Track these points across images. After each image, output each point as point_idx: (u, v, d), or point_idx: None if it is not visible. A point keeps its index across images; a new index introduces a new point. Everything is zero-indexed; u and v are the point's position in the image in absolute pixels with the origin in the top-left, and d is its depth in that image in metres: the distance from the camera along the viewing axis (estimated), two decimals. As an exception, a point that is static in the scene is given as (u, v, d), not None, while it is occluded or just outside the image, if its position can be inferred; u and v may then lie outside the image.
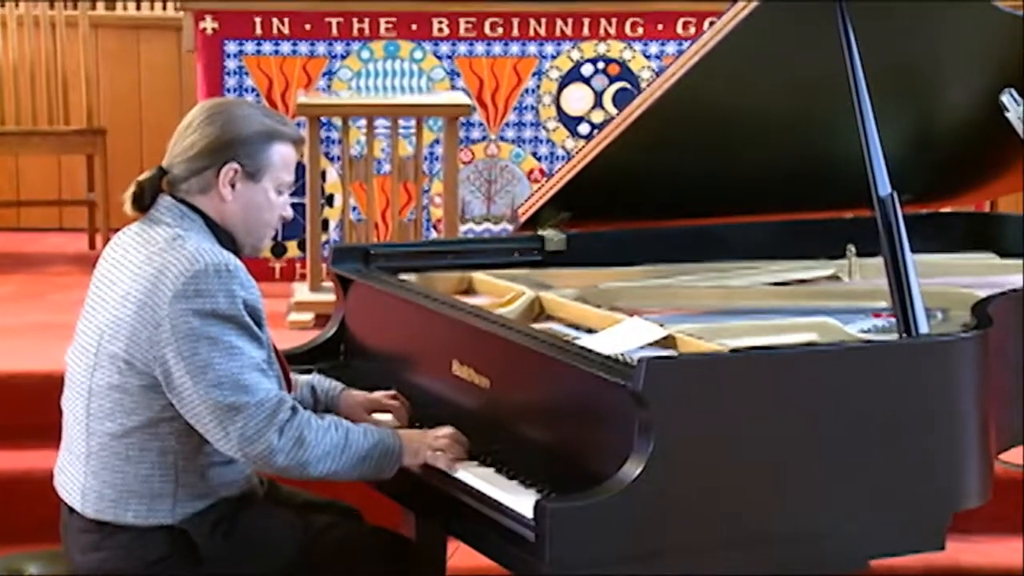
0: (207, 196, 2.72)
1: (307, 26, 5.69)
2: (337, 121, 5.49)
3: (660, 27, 5.78)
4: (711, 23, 3.08)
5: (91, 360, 2.70)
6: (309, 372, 3.21)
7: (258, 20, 5.69)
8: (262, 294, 2.72)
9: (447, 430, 2.75)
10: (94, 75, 6.33)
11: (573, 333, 2.98)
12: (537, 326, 3.00)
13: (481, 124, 5.82)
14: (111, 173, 6.07)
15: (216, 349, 2.58)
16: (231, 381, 2.58)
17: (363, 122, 5.32)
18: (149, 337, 2.61)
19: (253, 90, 5.71)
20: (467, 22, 5.75)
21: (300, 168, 5.46)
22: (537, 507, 2.41)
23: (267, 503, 2.84)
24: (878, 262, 2.84)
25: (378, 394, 2.98)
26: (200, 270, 2.61)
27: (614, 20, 5.77)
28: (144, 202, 2.73)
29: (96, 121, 6.27)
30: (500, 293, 3.25)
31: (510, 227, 5.72)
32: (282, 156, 2.75)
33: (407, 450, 2.71)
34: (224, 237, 2.72)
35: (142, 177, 2.74)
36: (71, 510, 2.75)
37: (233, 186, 2.71)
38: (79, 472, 2.73)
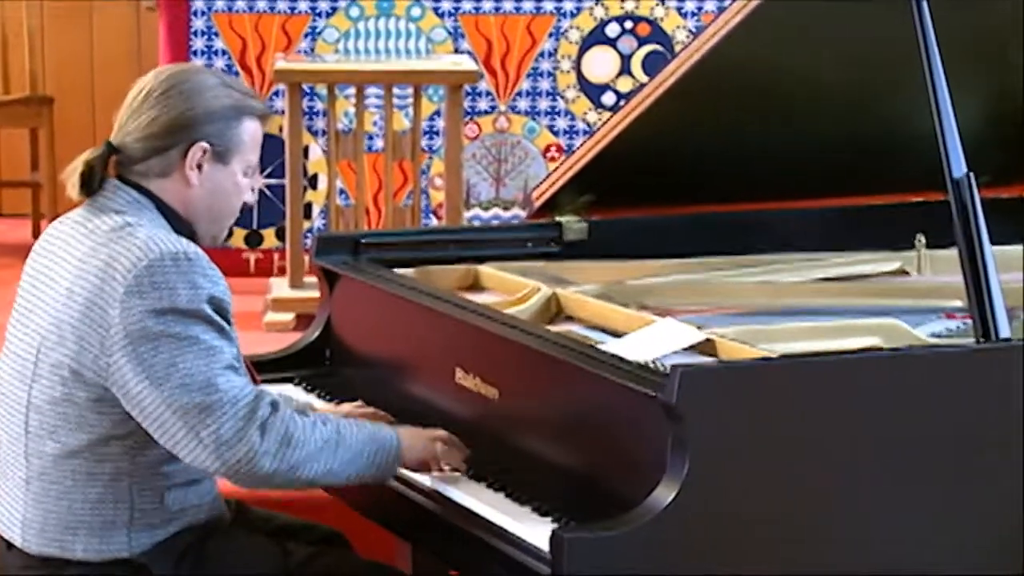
0: (168, 179, 2.73)
1: (287, -22, 5.71)
2: (322, 89, 5.50)
3: (698, -20, 5.79)
4: (757, -25, 3.09)
5: (29, 370, 2.71)
6: (289, 381, 3.23)
7: (230, -29, 5.70)
8: (231, 289, 2.73)
9: (443, 433, 2.78)
10: (39, 36, 6.35)
11: (596, 336, 2.99)
12: (553, 328, 3.01)
13: (489, 93, 5.83)
14: (59, 149, 6.08)
15: (179, 348, 2.59)
16: (199, 381, 2.58)
17: (352, 91, 5.33)
18: (100, 342, 2.62)
19: (224, 53, 5.72)
20: (473, -26, 5.76)
21: (279, 144, 5.49)
22: (553, 538, 2.42)
23: (238, 530, 2.84)
24: (951, 254, 2.84)
25: (346, 407, 3.00)
26: (155, 259, 2.61)
27: (644, -28, 5.78)
28: (94, 185, 2.73)
29: (41, 89, 6.29)
30: (511, 290, 3.26)
31: (522, 213, 5.74)
32: (251, 134, 2.77)
33: (406, 445, 2.73)
34: (181, 226, 2.73)
35: (90, 156, 2.74)
36: (10, 546, 2.75)
37: (200, 168, 2.73)
38: (18, 502, 2.73)
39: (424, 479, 2.77)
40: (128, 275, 2.61)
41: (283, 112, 5.37)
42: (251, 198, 2.81)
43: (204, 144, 2.71)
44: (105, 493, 2.67)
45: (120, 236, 2.66)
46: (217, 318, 2.64)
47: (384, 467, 2.71)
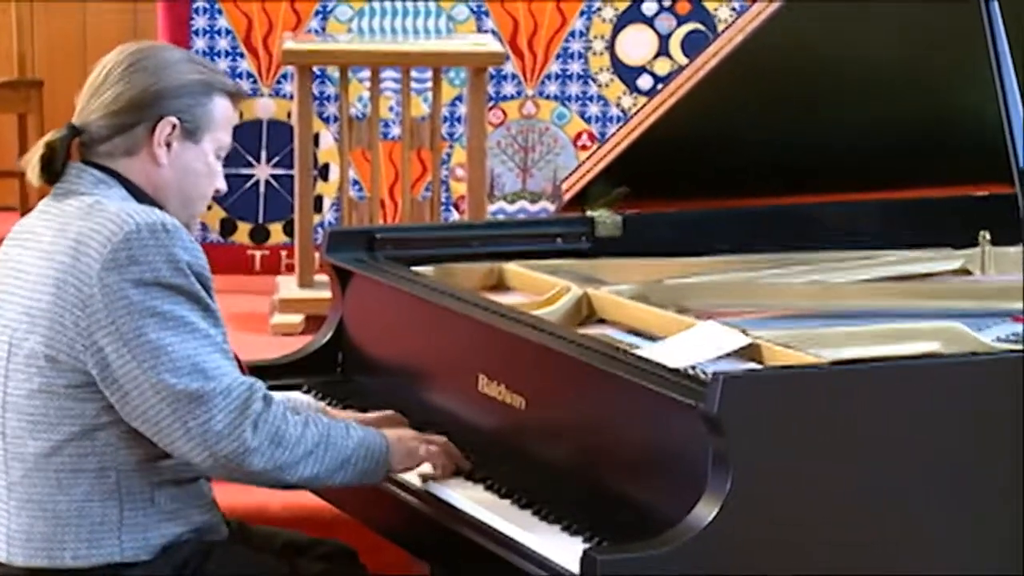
0: (134, 159, 2.76)
1: (296, -48, 5.72)
2: (334, 72, 5.51)
3: (743, -47, 5.79)
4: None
5: (1, 368, 2.73)
6: (298, 388, 3.24)
7: (234, -55, 5.72)
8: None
9: (440, 439, 2.84)
10: (27, 14, 6.37)
11: (631, 341, 3.00)
12: (585, 331, 3.02)
13: (515, 77, 5.83)
14: (49, 137, 6.10)
15: (166, 327, 2.62)
16: (189, 364, 2.61)
17: (366, 74, 5.34)
18: (75, 322, 2.64)
19: (228, 33, 5.74)
20: (498, -53, 5.77)
21: (288, 132, 5.51)
22: (585, 559, 2.42)
23: (240, 546, 2.85)
24: (1019, 252, 2.84)
25: (372, 415, 3.01)
26: (131, 232, 2.64)
27: (684, -56, 5.78)
28: (56, 168, 2.76)
29: (30, 72, 6.31)
30: (539, 290, 3.27)
31: (551, 206, 5.75)
32: (222, 112, 2.81)
33: (396, 451, 2.79)
34: (152, 206, 2.74)
35: (51, 138, 2.78)
36: (-6, 562, 2.78)
37: (169, 146, 2.76)
38: (0, 512, 2.76)
39: (443, 492, 2.79)
40: (103, 250, 2.64)
41: (292, 97, 5.38)
42: (222, 184, 2.84)
43: (172, 120, 2.75)
44: (92, 491, 2.69)
45: (89, 213, 2.69)
46: (203, 294, 2.67)
47: (370, 473, 2.77)
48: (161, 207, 2.75)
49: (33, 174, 2.77)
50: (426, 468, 2.83)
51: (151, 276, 2.63)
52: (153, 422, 2.63)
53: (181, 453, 2.64)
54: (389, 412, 3.01)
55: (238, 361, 2.82)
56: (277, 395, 3.02)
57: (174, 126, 2.75)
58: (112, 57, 2.80)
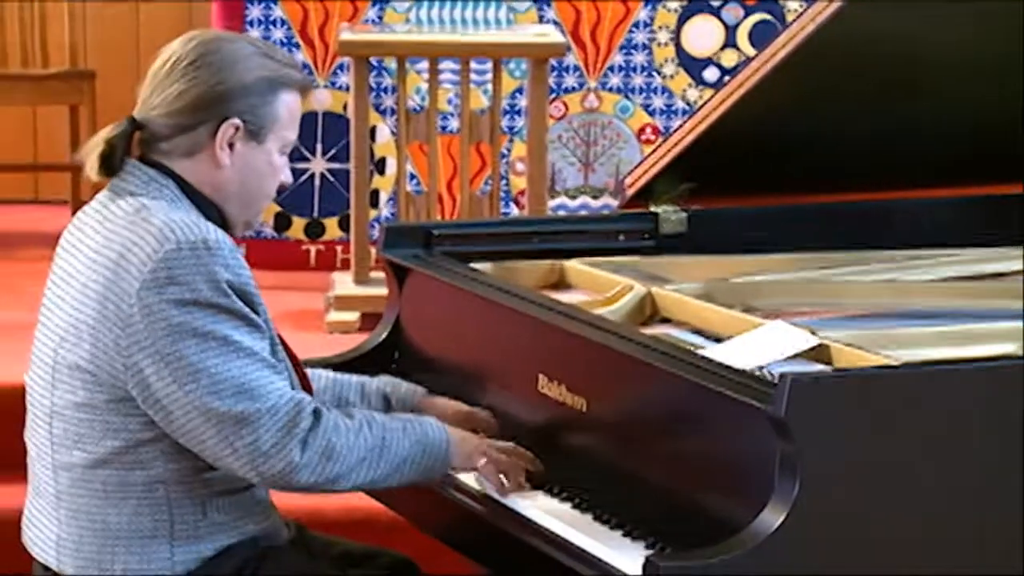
0: (195, 159, 2.75)
1: (353, -60, 5.74)
2: (391, 63, 5.52)
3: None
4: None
5: (49, 375, 2.75)
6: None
7: (290, -68, 5.74)
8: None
9: (508, 445, 2.84)
10: (80, 5, 6.40)
11: (695, 341, 2.99)
12: (648, 331, 3.01)
13: (577, 68, 5.83)
14: (101, 128, 6.12)
15: (207, 346, 2.62)
16: (233, 385, 2.62)
17: (424, 65, 5.35)
18: (115, 341, 2.65)
19: (283, 23, 5.76)
20: (560, -65, 5.76)
21: (344, 124, 5.52)
22: (648, 565, 2.42)
23: (296, 555, 2.87)
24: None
25: (476, 412, 3.01)
26: (171, 251, 2.64)
27: (752, -69, 5.77)
28: (115, 164, 2.76)
29: (82, 63, 6.34)
30: (601, 288, 3.26)
31: (614, 202, 5.74)
32: (289, 108, 2.79)
33: (457, 450, 2.79)
34: (209, 210, 2.75)
35: (111, 133, 2.77)
36: (46, 568, 2.79)
37: (231, 147, 2.75)
38: (50, 520, 2.77)
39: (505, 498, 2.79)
40: (144, 268, 2.64)
41: (348, 89, 5.39)
42: (288, 178, 2.83)
43: (236, 121, 2.74)
44: (140, 505, 2.70)
45: (134, 222, 2.69)
46: (246, 310, 2.67)
47: (429, 470, 2.78)
48: (220, 207, 2.76)
49: (92, 170, 2.77)
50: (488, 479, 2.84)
51: (190, 296, 2.63)
52: (198, 442, 2.65)
53: (229, 470, 2.66)
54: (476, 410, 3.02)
55: (294, 360, 2.82)
56: (378, 382, 3.01)
57: (237, 128, 2.74)
58: (178, 48, 2.77)
